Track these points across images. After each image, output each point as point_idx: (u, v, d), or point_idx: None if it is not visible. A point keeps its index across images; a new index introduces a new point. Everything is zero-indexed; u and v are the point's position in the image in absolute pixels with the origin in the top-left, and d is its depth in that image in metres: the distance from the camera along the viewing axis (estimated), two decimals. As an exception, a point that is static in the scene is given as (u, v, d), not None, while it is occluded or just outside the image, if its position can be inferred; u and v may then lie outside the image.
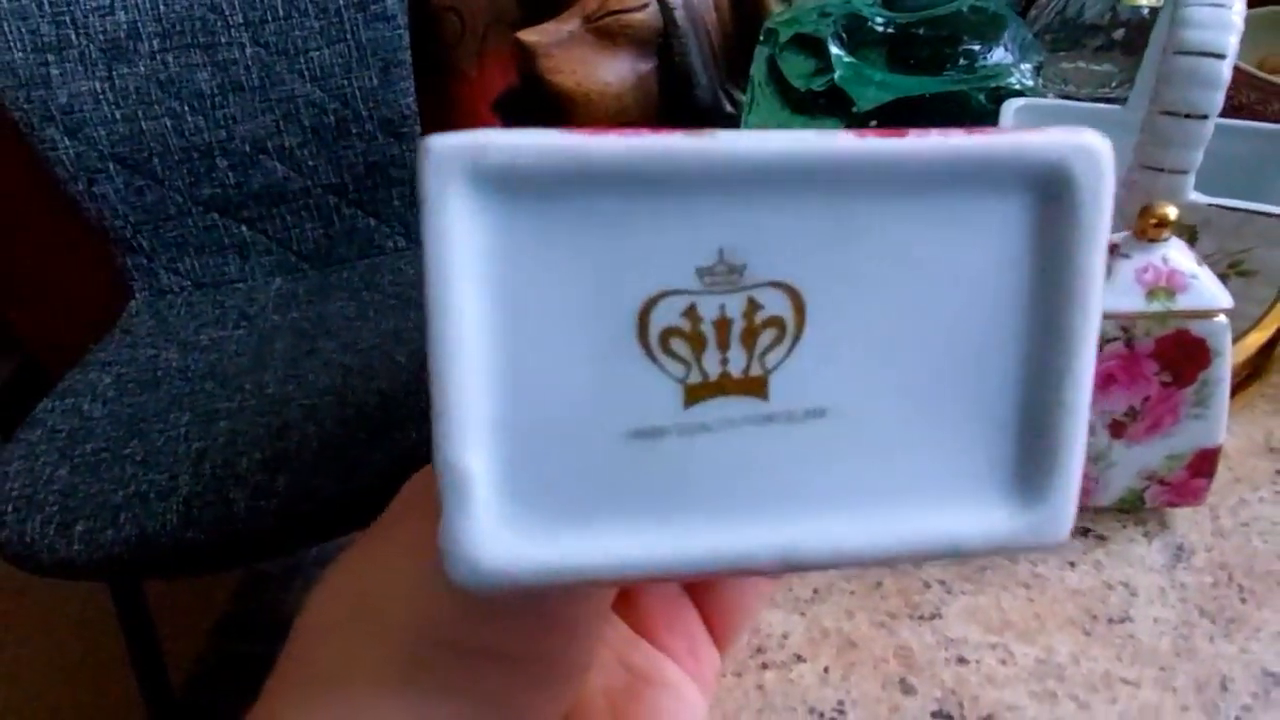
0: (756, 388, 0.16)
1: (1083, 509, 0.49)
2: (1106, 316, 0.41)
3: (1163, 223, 0.40)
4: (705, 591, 0.25)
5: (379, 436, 0.99)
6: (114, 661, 1.30)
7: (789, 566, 0.16)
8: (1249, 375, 0.45)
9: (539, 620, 0.19)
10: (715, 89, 0.79)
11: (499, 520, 0.15)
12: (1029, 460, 0.16)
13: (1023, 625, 0.43)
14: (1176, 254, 0.41)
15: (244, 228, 1.31)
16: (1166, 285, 0.40)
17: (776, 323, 0.16)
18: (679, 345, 0.16)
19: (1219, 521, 0.48)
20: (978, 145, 0.16)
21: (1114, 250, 0.42)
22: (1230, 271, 0.55)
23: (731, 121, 0.77)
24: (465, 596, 0.15)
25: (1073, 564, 0.46)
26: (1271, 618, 0.43)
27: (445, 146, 0.14)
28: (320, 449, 1.03)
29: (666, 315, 0.15)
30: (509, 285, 0.15)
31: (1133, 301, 0.41)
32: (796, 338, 0.16)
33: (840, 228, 0.16)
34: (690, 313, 0.16)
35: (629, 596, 0.25)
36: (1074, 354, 0.16)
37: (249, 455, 1.04)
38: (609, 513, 0.16)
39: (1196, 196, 0.54)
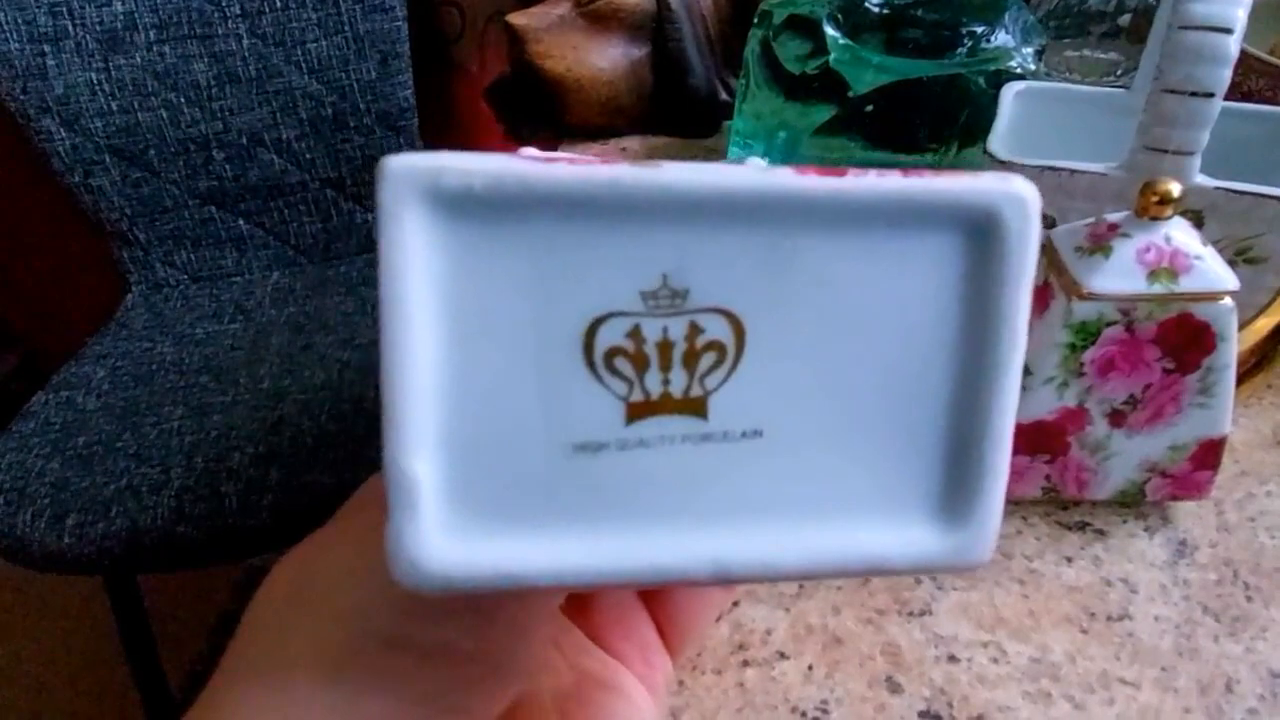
0: (696, 408, 0.17)
1: (1080, 502, 0.47)
2: (1107, 299, 0.39)
3: (1165, 200, 0.38)
4: (658, 599, 0.25)
5: (374, 432, 0.98)
6: (111, 659, 1.29)
7: (720, 579, 0.17)
8: (1256, 364, 0.43)
9: (479, 620, 0.19)
10: (710, 76, 0.77)
11: (443, 525, 0.16)
12: (954, 485, 0.18)
13: (1016, 623, 0.41)
14: (1180, 234, 0.39)
15: (241, 221, 1.30)
16: (1169, 266, 0.39)
17: (717, 346, 0.17)
18: (623, 364, 0.17)
19: (1224, 516, 0.46)
20: (913, 188, 0.17)
21: (1114, 229, 0.40)
22: (1238, 259, 0.53)
23: (727, 110, 0.75)
24: (405, 593, 0.16)
25: (1070, 560, 0.44)
26: (1278, 616, 0.41)
27: (403, 168, 0.15)
28: (315, 444, 1.02)
29: (611, 335, 0.16)
30: (460, 302, 0.16)
31: (1133, 283, 0.39)
32: (736, 361, 0.17)
33: (780, 259, 0.17)
34: (634, 334, 0.17)
35: (582, 601, 0.25)
36: (999, 385, 0.17)
37: (242, 450, 1.03)
38: (549, 521, 0.17)
39: (1203, 179, 0.52)
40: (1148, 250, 0.39)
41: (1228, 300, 0.39)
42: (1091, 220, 0.41)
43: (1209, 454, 0.43)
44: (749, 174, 0.16)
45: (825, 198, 0.16)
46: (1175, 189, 0.38)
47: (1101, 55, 0.78)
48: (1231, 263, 0.44)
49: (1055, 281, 0.41)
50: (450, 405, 0.16)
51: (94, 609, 1.36)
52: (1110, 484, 0.44)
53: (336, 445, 1.00)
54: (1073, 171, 0.53)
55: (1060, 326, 0.40)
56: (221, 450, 1.04)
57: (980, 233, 0.17)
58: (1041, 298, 0.42)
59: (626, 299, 0.16)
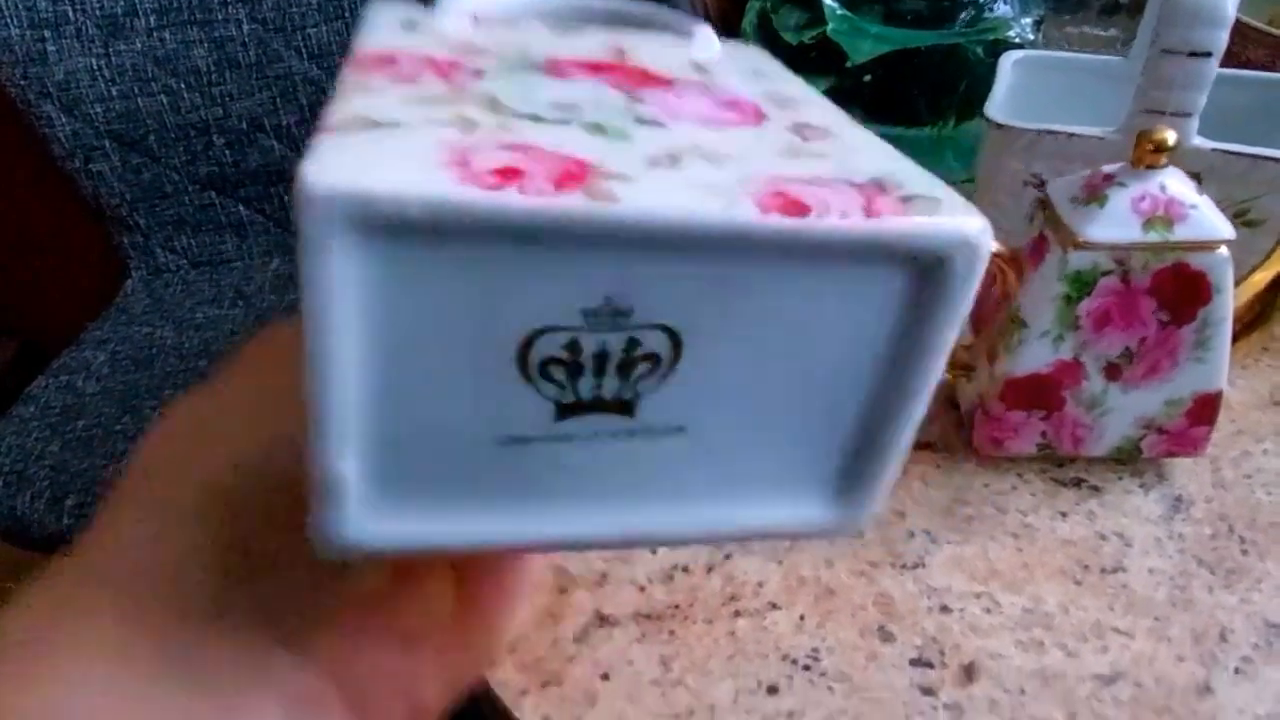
0: (625, 408, 0.18)
1: (1076, 459, 0.47)
2: (1101, 248, 0.39)
3: (1160, 148, 0.38)
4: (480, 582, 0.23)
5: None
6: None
7: (625, 543, 0.19)
8: (1253, 320, 0.43)
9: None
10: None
11: (365, 510, 0.17)
12: (848, 474, 0.19)
13: (1010, 575, 0.41)
14: (1175, 183, 0.39)
15: (241, 207, 1.30)
16: (1164, 215, 0.38)
17: (652, 358, 0.17)
18: (557, 371, 0.17)
19: (1220, 473, 0.45)
20: (874, 231, 0.17)
21: (1110, 179, 0.40)
22: (1236, 221, 0.53)
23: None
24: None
25: (1064, 514, 0.44)
26: (1274, 569, 0.41)
27: (326, 194, 0.14)
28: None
29: (548, 347, 0.17)
30: (390, 318, 0.16)
31: (1128, 232, 0.39)
32: (670, 370, 0.17)
33: (729, 288, 0.17)
34: (571, 345, 0.17)
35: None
36: (910, 405, 0.18)
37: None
38: (470, 500, 0.18)
39: (1200, 142, 0.52)
40: (1143, 199, 0.39)
41: (1223, 250, 0.39)
42: (1088, 172, 0.41)
43: (1205, 409, 0.42)
44: (710, 210, 0.16)
45: (786, 237, 0.16)
46: (1170, 137, 0.38)
47: (1101, 31, 0.78)
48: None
49: (1051, 234, 0.41)
50: (378, 409, 0.16)
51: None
52: (1106, 440, 0.44)
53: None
54: (1071, 135, 0.53)
55: (1055, 278, 0.40)
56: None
57: (928, 274, 0.17)
58: (1038, 250, 0.41)
59: (567, 316, 0.16)
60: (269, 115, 1.23)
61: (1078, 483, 0.45)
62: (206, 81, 1.22)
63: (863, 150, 0.20)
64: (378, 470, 0.17)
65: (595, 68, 0.22)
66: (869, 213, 0.17)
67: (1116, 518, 0.43)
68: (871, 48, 0.63)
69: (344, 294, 0.15)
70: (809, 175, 0.18)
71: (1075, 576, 0.41)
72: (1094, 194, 0.40)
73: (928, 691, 0.37)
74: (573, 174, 0.17)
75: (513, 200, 0.15)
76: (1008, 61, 0.60)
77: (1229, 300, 0.40)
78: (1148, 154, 0.38)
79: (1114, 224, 0.39)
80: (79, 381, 1.09)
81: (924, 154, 0.71)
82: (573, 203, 0.15)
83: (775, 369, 0.18)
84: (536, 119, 0.19)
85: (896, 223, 0.17)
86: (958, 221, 0.17)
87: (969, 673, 0.37)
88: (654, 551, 0.43)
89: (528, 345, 0.16)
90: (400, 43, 0.21)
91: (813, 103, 0.23)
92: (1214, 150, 0.51)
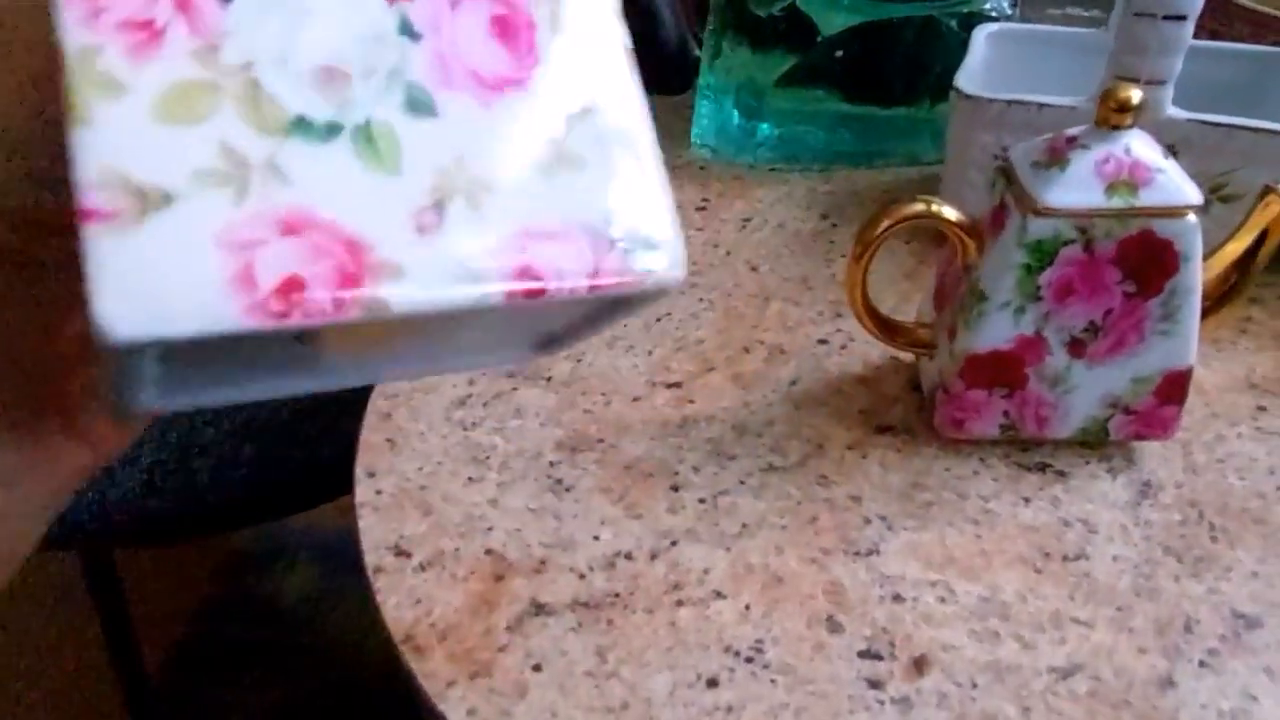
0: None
1: (1041, 443, 0.45)
2: (1063, 214, 0.37)
3: (1125, 108, 0.36)
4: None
5: (350, 405, 0.96)
6: (90, 642, 1.28)
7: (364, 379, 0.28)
8: (1224, 294, 0.40)
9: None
10: (682, 30, 0.75)
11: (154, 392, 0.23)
12: (547, 345, 0.30)
13: (967, 562, 0.39)
14: (1140, 145, 0.37)
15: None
16: (1129, 179, 0.36)
17: None
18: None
19: (1192, 458, 0.43)
20: (589, 292, 0.22)
21: (1072, 142, 0.38)
22: (1213, 196, 0.51)
23: (699, 64, 0.73)
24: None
25: (1027, 500, 0.42)
26: (1245, 557, 0.39)
27: (128, 339, 0.18)
28: (290, 418, 1.00)
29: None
30: (169, 364, 0.22)
31: (1091, 196, 0.36)
32: None
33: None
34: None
35: None
36: (600, 327, 0.28)
37: (216, 425, 1.02)
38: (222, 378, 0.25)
39: (1174, 111, 0.50)
40: (1106, 161, 0.37)
41: (1191, 217, 0.37)
42: (1050, 135, 0.39)
43: (1174, 387, 0.40)
44: (466, 299, 0.21)
45: (522, 304, 0.23)
46: (1136, 95, 0.36)
47: (1084, 13, 0.75)
48: (1206, 202, 0.42)
49: (1011, 201, 0.39)
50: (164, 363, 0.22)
51: (75, 593, 1.34)
52: (1071, 421, 0.42)
53: (311, 419, 0.98)
54: (1041, 106, 0.51)
55: (1015, 246, 0.38)
56: (195, 425, 1.02)
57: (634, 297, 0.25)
58: (998, 219, 0.39)
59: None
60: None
61: (1042, 467, 0.43)
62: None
63: (615, 158, 0.23)
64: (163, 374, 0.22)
65: None
66: (593, 278, 0.22)
67: (1081, 504, 0.41)
68: (843, 20, 0.61)
69: (144, 368, 0.22)
70: (553, 225, 0.22)
71: (1035, 564, 0.39)
72: (1056, 157, 0.37)
73: (875, 684, 0.35)
74: (349, 274, 0.20)
75: (293, 324, 0.19)
76: (981, 34, 0.58)
77: (1198, 270, 0.38)
78: (1112, 114, 0.36)
79: (1076, 188, 0.37)
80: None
81: (899, 136, 0.69)
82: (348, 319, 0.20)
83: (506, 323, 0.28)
84: (303, 125, 0.20)
85: (613, 283, 0.22)
86: (660, 275, 0.23)
87: (919, 665, 0.35)
88: (596, 538, 0.41)
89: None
90: None
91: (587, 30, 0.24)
92: (1189, 120, 0.49)
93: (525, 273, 0.21)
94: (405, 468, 0.44)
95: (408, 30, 0.22)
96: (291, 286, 0.19)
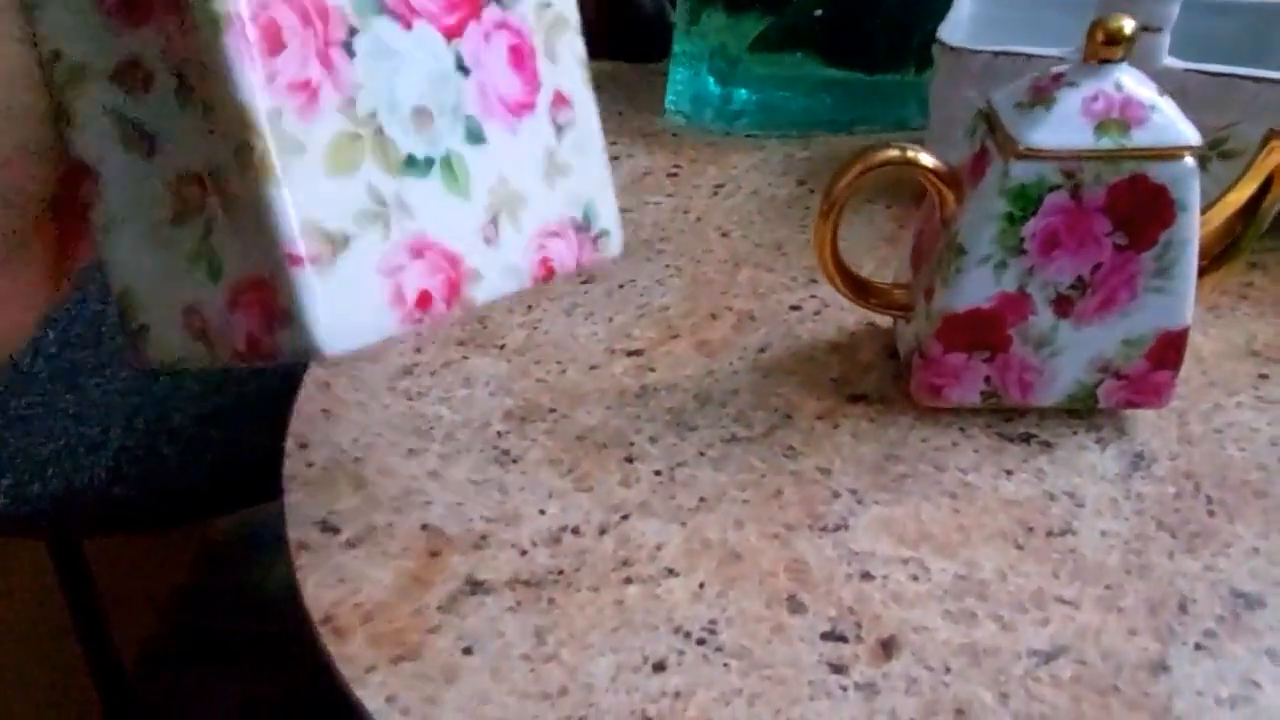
0: None
1: (1024, 411, 0.42)
2: (1048, 157, 0.34)
3: (1115, 39, 0.33)
4: None
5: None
6: (62, 632, 1.25)
7: None
8: (1224, 251, 0.37)
9: None
10: (660, -4, 0.72)
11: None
12: None
13: (943, 538, 0.36)
14: (1132, 81, 0.34)
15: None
16: (1120, 117, 0.33)
17: None
18: None
19: (1187, 428, 0.40)
20: (573, 270, 0.31)
21: (1059, 79, 0.34)
22: (1212, 153, 0.48)
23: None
24: None
25: (1010, 472, 0.38)
26: (1245, 532, 0.36)
27: (331, 355, 0.24)
28: (259, 400, 0.98)
29: None
30: None
31: (1079, 136, 0.33)
32: None
33: None
34: None
35: None
36: None
37: (185, 410, 0.99)
38: None
39: (1171, 61, 0.47)
40: (1095, 99, 0.33)
41: (1188, 159, 0.34)
42: (1035, 74, 0.36)
43: (1169, 350, 0.37)
44: (511, 289, 0.28)
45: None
46: (1128, 25, 0.33)
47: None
48: (1204, 159, 0.39)
49: (991, 145, 0.36)
50: None
51: (45, 581, 1.32)
52: (1058, 386, 0.39)
53: (282, 403, 0.95)
54: (1029, 57, 0.48)
55: (996, 194, 0.35)
56: (163, 410, 0.99)
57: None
58: (978, 165, 0.36)
59: None
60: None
61: (1027, 438, 0.40)
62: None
63: (587, 161, 0.30)
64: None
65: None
66: (579, 262, 0.29)
67: (1068, 476, 0.38)
68: (823, -23, 0.58)
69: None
70: (555, 224, 0.29)
71: (1017, 540, 0.36)
72: (1041, 96, 0.34)
73: (838, 669, 0.32)
74: (453, 283, 0.26)
75: (424, 326, 0.25)
76: (968, -13, 0.55)
77: (1195, 220, 0.35)
78: (1101, 46, 0.33)
79: (1062, 128, 0.33)
80: (25, 360, 1.05)
81: (883, 101, 0.66)
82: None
83: None
84: (412, 163, 0.25)
85: (588, 264, 0.30)
86: (614, 255, 0.31)
87: (887, 648, 0.32)
88: (542, 511, 0.37)
89: None
90: None
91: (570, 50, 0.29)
92: (1186, 70, 0.46)
93: (544, 264, 0.28)
94: (340, 439, 0.41)
95: (461, 66, 0.26)
96: (424, 300, 0.25)
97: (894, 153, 0.37)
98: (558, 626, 0.33)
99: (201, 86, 0.22)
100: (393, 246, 0.24)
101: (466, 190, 0.26)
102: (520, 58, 0.28)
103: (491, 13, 0.27)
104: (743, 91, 0.65)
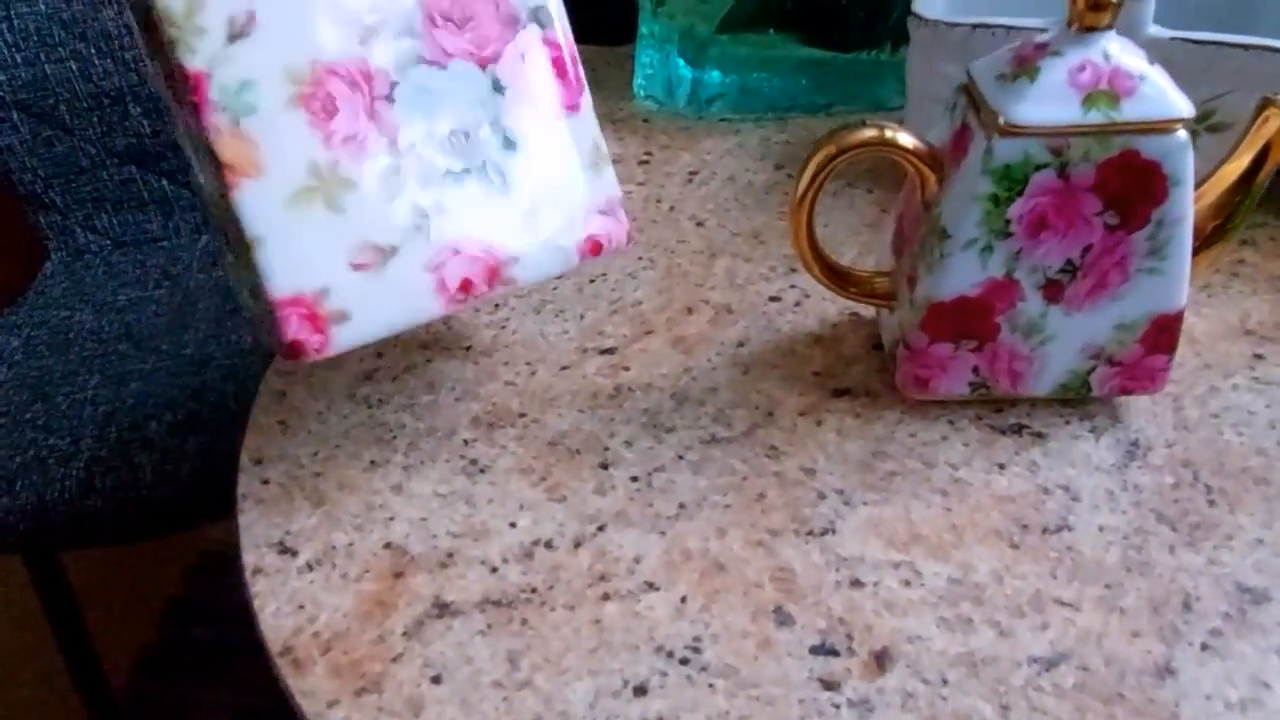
0: None
1: (1016, 403, 0.40)
2: (1033, 133, 0.32)
3: (1100, 5, 0.31)
4: None
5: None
6: (50, 646, 1.23)
7: None
8: (1219, 227, 0.36)
9: None
10: (627, -24, 0.70)
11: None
12: None
13: (935, 539, 0.34)
14: (1120, 49, 0.32)
15: (164, 181, 1.22)
16: (1108, 88, 0.31)
17: None
18: None
19: (1183, 413, 0.39)
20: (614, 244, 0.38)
21: (1042, 49, 0.32)
22: (1199, 126, 0.46)
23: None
24: None
25: (1001, 466, 0.37)
26: (1247, 523, 0.34)
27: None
28: (237, 409, 0.96)
29: None
30: None
31: (1065, 110, 0.31)
32: None
33: None
34: None
35: None
36: None
37: (159, 418, 0.97)
38: None
39: (1156, 30, 0.45)
40: (1082, 69, 0.31)
41: (1181, 133, 0.32)
42: (1018, 44, 0.34)
43: (1163, 334, 0.35)
44: (558, 267, 0.36)
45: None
46: (1113, -9, 0.31)
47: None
48: (1193, 133, 0.37)
49: (974, 122, 0.34)
50: None
51: (26, 595, 1.29)
52: (1049, 376, 0.37)
53: (255, 408, 0.93)
54: (1009, 29, 0.46)
55: (980, 174, 0.33)
56: (138, 419, 0.97)
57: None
58: (959, 144, 0.34)
59: None
60: (185, 80, 1.15)
61: (1018, 429, 0.38)
62: (118, 45, 1.14)
63: (608, 148, 0.36)
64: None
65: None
66: (630, 236, 0.37)
67: (1062, 468, 0.36)
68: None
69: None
70: (603, 203, 0.35)
71: (1012, 539, 0.34)
72: (1024, 66, 0.32)
73: (830, 685, 0.30)
74: (492, 269, 0.33)
75: (468, 306, 0.35)
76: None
77: (1188, 197, 0.33)
78: (1085, 12, 0.31)
79: (1048, 101, 0.31)
80: (-13, 370, 1.02)
81: (861, 81, 0.64)
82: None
83: None
84: (450, 175, 0.31)
85: (624, 241, 0.37)
86: (625, 230, 0.37)
87: (880, 660, 0.31)
88: (513, 525, 0.36)
89: None
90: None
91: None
92: (1172, 39, 0.44)
93: (591, 240, 0.34)
94: (298, 453, 0.39)
95: (498, 86, 0.32)
96: (466, 286, 0.32)
97: (870, 133, 0.35)
98: (531, 649, 0.32)
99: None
100: (434, 248, 0.31)
101: (505, 188, 0.32)
102: (562, 67, 0.33)
103: (530, 32, 0.32)
104: (716, 74, 0.63)
